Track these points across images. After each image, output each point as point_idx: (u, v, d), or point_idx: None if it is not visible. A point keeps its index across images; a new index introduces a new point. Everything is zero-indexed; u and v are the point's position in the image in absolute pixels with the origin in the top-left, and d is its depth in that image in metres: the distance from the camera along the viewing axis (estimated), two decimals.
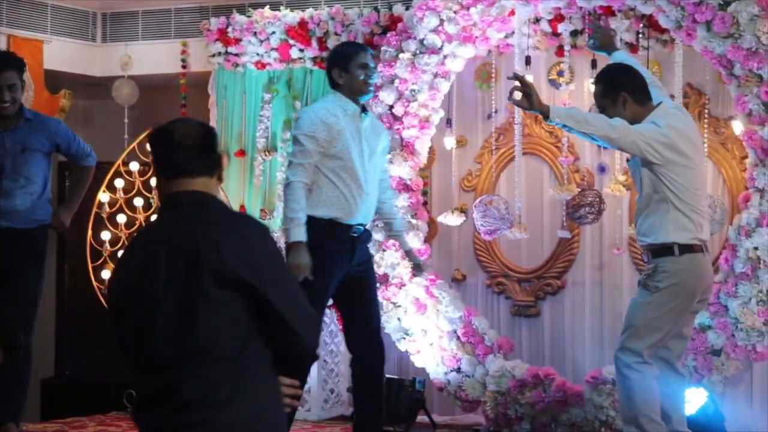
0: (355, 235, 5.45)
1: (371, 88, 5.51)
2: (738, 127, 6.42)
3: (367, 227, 5.59)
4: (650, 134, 4.98)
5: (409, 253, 6.01)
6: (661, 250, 5.06)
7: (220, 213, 3.00)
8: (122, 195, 7.92)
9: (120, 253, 2.96)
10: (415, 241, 6.96)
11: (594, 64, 6.70)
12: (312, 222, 5.33)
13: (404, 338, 7.00)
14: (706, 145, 6.50)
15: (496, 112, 7.21)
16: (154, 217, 7.83)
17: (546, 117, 4.96)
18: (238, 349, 2.83)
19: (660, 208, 5.05)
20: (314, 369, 7.30)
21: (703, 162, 5.38)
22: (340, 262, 5.41)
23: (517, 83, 4.94)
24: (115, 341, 2.95)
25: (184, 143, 3.00)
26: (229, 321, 2.82)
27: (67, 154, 6.36)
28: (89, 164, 6.45)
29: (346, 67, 5.43)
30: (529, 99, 4.94)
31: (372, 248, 6.93)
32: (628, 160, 5.37)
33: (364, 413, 5.61)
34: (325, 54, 7.55)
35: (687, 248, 5.03)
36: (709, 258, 5.23)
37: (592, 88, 6.65)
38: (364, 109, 5.49)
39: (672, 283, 5.04)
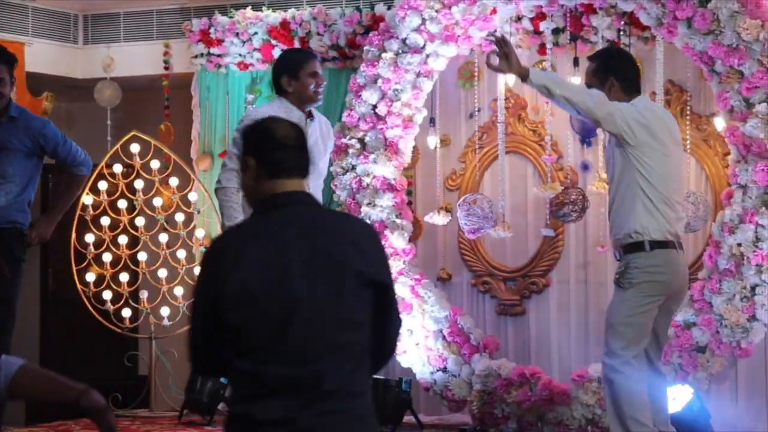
0: None
1: (320, 96, 5.53)
2: (720, 123, 6.42)
3: None
4: (627, 111, 5.00)
5: None
6: (632, 246, 5.07)
7: (338, 214, 3.24)
8: (106, 197, 7.89)
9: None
10: (400, 240, 6.95)
11: (576, 62, 6.71)
12: None
13: None
14: (688, 142, 6.52)
15: (479, 110, 7.20)
16: (139, 219, 7.82)
17: (524, 79, 5.00)
18: (367, 345, 2.94)
19: (628, 194, 5.04)
20: None
21: (680, 156, 5.36)
22: None
23: (495, 48, 4.98)
24: (210, 331, 2.91)
25: (287, 143, 3.03)
26: (364, 319, 2.93)
27: (54, 158, 6.21)
28: (80, 173, 6.25)
29: (296, 75, 5.45)
30: (508, 60, 4.97)
31: None
32: (604, 146, 5.36)
33: None
34: None
35: (658, 244, 5.03)
36: (682, 255, 5.23)
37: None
38: (309, 115, 5.50)
39: (645, 280, 5.05)
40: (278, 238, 2.92)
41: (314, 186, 5.48)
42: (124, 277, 7.81)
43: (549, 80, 5.03)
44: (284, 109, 5.38)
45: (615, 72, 5.17)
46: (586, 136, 6.91)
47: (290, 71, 5.47)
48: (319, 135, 5.58)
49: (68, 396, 3.11)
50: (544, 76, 5.05)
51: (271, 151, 3.01)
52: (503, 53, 5.00)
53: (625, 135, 4.98)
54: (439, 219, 7.13)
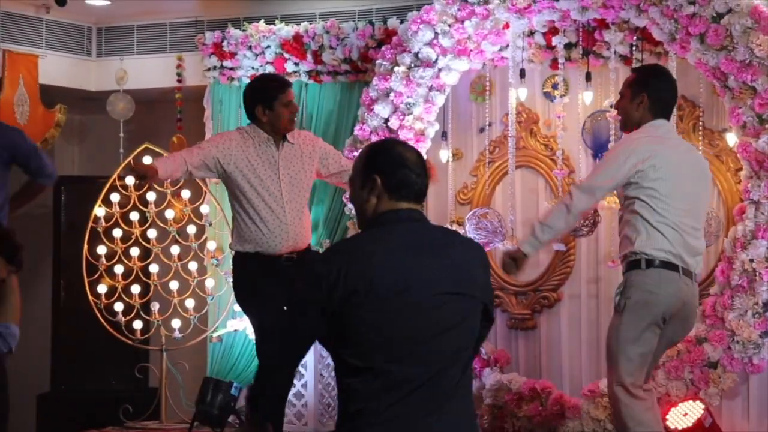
0: (289, 263, 5.52)
1: (294, 125, 5.64)
2: (732, 139, 6.42)
3: (311, 248, 5.72)
4: (614, 172, 5.12)
5: None
6: (631, 264, 5.13)
7: (450, 232, 3.50)
8: (118, 209, 7.91)
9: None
10: None
11: (588, 76, 6.72)
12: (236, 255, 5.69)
13: None
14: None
15: (490, 125, 7.21)
16: (151, 231, 7.84)
17: (525, 257, 5.26)
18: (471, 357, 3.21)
19: (631, 215, 5.13)
20: (311, 383, 7.30)
21: (699, 186, 5.35)
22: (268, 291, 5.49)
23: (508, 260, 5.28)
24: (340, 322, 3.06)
25: (417, 170, 3.19)
26: (475, 331, 3.19)
27: (24, 168, 6.17)
28: (44, 184, 6.28)
29: (271, 105, 5.50)
30: (516, 262, 5.24)
31: None
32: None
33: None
34: (320, 68, 7.58)
35: (656, 263, 5.07)
36: (688, 283, 5.18)
37: (587, 100, 6.74)
38: (284, 137, 5.56)
39: (638, 299, 5.07)
40: (411, 249, 3.11)
41: (294, 208, 5.54)
42: (135, 288, 7.83)
43: (537, 237, 5.22)
44: (254, 133, 5.59)
45: (650, 89, 5.25)
46: (598, 150, 6.91)
47: (265, 101, 5.55)
48: (298, 155, 5.67)
49: None
50: (531, 240, 5.26)
51: (400, 174, 3.17)
52: (512, 259, 5.30)
53: (628, 184, 5.14)
54: None
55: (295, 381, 7.24)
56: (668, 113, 5.34)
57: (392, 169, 3.15)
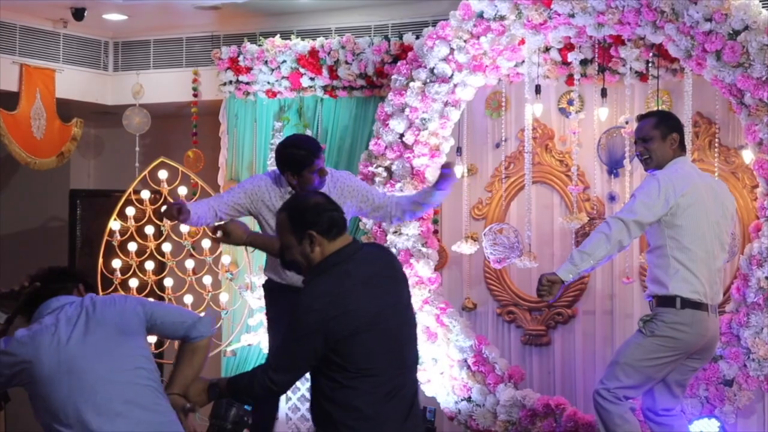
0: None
1: (323, 185, 5.69)
2: (748, 156, 6.40)
3: None
4: (652, 202, 5.27)
5: (433, 185, 6.03)
6: (665, 300, 5.28)
7: (383, 248, 4.21)
8: (133, 223, 7.93)
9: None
10: (425, 269, 6.95)
11: (604, 92, 6.72)
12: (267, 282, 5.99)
13: None
14: (716, 174, 6.50)
15: (505, 140, 7.21)
16: (166, 245, 7.87)
17: (562, 282, 5.34)
18: None
19: (662, 251, 5.31)
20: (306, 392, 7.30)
21: (721, 220, 5.50)
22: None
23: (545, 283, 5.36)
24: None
25: (333, 206, 3.79)
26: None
27: None
28: None
29: (300, 173, 5.59)
30: (552, 287, 5.34)
31: None
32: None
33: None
34: (336, 83, 7.60)
35: (690, 303, 5.25)
36: (714, 319, 5.39)
37: (603, 116, 6.74)
38: None
39: (667, 335, 5.26)
40: (371, 283, 3.71)
41: None
42: None
43: (575, 264, 5.32)
44: (282, 184, 5.74)
45: (677, 129, 5.52)
46: (613, 167, 6.91)
47: (294, 169, 5.61)
48: (330, 192, 5.67)
49: None
50: (570, 267, 5.34)
51: (326, 217, 3.75)
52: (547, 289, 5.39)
53: (663, 217, 5.28)
54: (465, 248, 7.12)
55: (298, 384, 7.24)
56: (685, 148, 5.61)
57: (318, 218, 3.70)
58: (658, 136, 5.46)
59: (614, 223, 5.28)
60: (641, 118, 5.72)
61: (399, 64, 7.09)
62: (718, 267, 5.45)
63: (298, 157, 5.64)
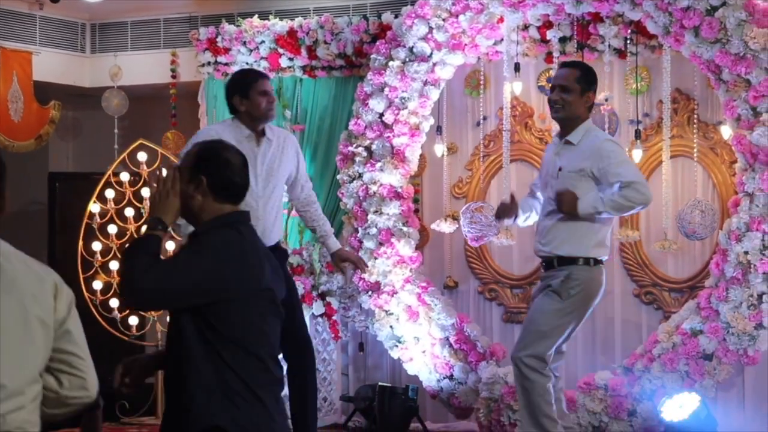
0: None
1: (272, 113, 5.58)
2: (727, 131, 6.44)
3: (280, 244, 5.69)
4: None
5: (335, 255, 5.90)
6: (577, 260, 5.38)
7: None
8: (113, 205, 7.91)
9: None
10: (406, 248, 6.96)
11: None
12: None
13: (396, 346, 7.00)
14: (695, 150, 6.55)
15: (485, 119, 7.22)
16: (145, 228, 7.83)
17: (575, 206, 5.32)
18: None
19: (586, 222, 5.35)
20: None
21: None
22: None
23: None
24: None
25: (240, 174, 3.44)
26: None
27: None
28: None
29: (247, 94, 5.52)
30: (566, 201, 5.32)
31: (364, 256, 6.95)
32: (560, 169, 5.44)
33: (298, 408, 5.72)
34: (315, 63, 7.58)
35: (600, 261, 5.44)
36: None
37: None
38: (262, 133, 5.56)
39: (582, 292, 5.39)
40: (254, 251, 3.38)
41: (268, 204, 5.54)
42: None
43: (593, 205, 5.30)
44: (232, 127, 5.54)
45: (594, 88, 5.51)
46: None
47: (241, 91, 5.56)
48: (275, 152, 5.62)
49: None
50: (590, 204, 5.31)
51: (225, 177, 3.40)
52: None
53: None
54: (445, 227, 7.14)
55: None
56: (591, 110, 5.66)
57: (217, 171, 3.38)
58: (578, 90, 5.40)
59: (643, 189, 5.33)
60: (564, 65, 5.70)
61: (378, 43, 7.08)
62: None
63: (245, 77, 5.66)
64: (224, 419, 3.21)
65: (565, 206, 5.32)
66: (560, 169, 5.40)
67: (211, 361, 3.24)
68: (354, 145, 7.06)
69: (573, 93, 5.38)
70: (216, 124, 5.79)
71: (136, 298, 3.35)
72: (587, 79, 5.44)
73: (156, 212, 3.40)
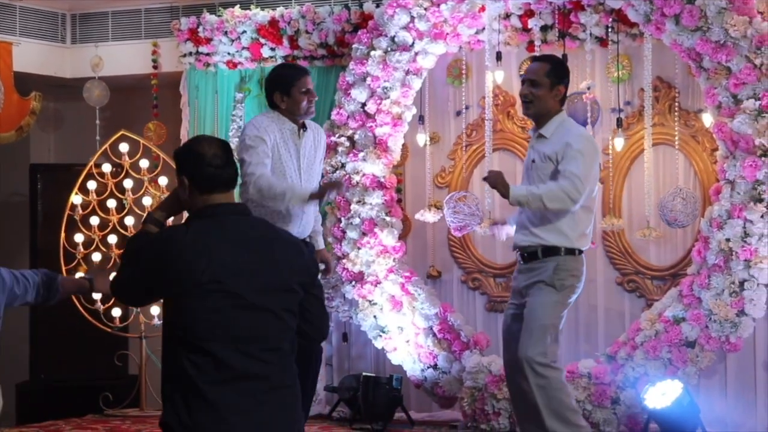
0: None
1: (313, 110, 5.56)
2: (708, 119, 6.45)
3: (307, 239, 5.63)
4: (592, 170, 5.36)
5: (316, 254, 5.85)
6: (566, 251, 5.39)
7: (270, 227, 3.62)
8: (95, 197, 7.87)
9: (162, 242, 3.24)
10: (389, 238, 6.96)
11: (565, 58, 6.71)
12: None
13: (380, 336, 7.01)
14: (677, 138, 6.56)
15: (467, 108, 7.22)
16: (129, 219, 7.82)
17: (506, 196, 5.38)
18: None
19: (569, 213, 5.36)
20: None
21: None
22: None
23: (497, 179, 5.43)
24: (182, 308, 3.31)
25: (217, 162, 3.45)
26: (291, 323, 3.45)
27: None
28: None
29: (288, 91, 5.47)
30: (498, 184, 5.39)
31: (347, 246, 6.96)
32: (533, 161, 5.48)
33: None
34: (296, 53, 7.56)
35: (582, 252, 5.46)
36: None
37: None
38: (303, 126, 5.54)
39: (571, 283, 5.41)
40: (237, 240, 3.37)
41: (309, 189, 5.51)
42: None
43: (525, 196, 5.32)
44: (278, 121, 5.47)
45: (565, 83, 5.50)
46: None
47: (282, 88, 5.50)
48: (312, 144, 5.61)
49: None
50: (521, 193, 5.34)
51: (200, 169, 3.43)
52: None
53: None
54: (429, 216, 7.14)
55: None
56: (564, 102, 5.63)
57: (194, 168, 3.43)
58: (548, 84, 5.42)
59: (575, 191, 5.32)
60: (535, 60, 5.74)
61: (360, 33, 7.07)
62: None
63: (287, 73, 5.61)
64: (172, 417, 3.25)
65: (490, 180, 5.43)
66: (533, 161, 5.44)
67: (173, 356, 3.29)
68: (337, 135, 7.05)
69: (542, 87, 5.41)
70: (261, 115, 5.68)
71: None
72: (557, 73, 5.46)
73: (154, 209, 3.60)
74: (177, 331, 3.28)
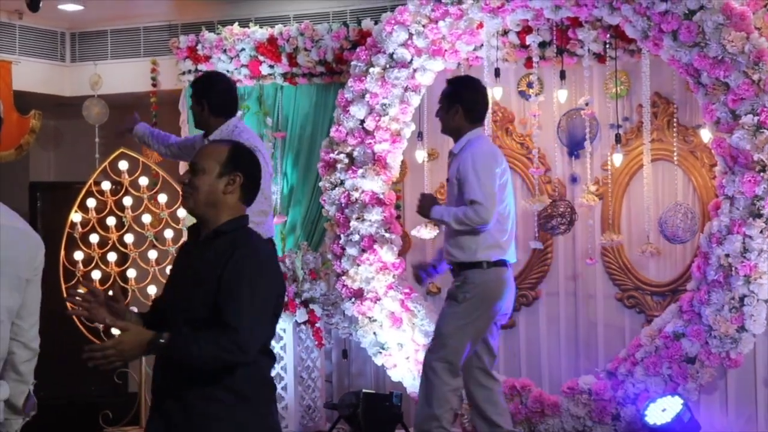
0: None
1: None
2: (706, 135, 6.45)
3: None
4: (491, 189, 5.51)
5: None
6: (471, 264, 5.57)
7: None
8: (94, 214, 7.87)
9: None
10: (389, 254, 6.96)
11: (563, 74, 6.74)
12: None
13: (380, 352, 6.99)
14: (675, 153, 6.57)
15: None
16: (128, 236, 7.81)
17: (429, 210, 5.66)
18: None
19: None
20: (291, 384, 7.29)
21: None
22: None
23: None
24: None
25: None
26: None
27: None
28: None
29: None
30: (425, 207, 5.69)
31: (347, 263, 6.96)
32: (457, 179, 5.60)
33: None
34: (295, 70, 7.57)
35: (494, 263, 5.58)
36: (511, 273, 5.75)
37: (562, 98, 6.76)
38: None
39: (478, 295, 5.57)
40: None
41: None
42: None
43: (440, 218, 5.66)
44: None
45: (462, 100, 5.67)
46: (573, 148, 6.94)
47: None
48: None
49: None
50: (439, 212, 5.64)
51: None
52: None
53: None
54: (426, 233, 7.14)
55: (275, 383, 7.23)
56: (483, 118, 5.83)
57: (252, 172, 3.44)
58: (446, 105, 5.71)
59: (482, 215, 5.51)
60: (448, 82, 5.91)
61: (358, 50, 7.08)
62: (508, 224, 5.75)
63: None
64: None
65: (418, 208, 5.77)
66: (447, 180, 5.73)
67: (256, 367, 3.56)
68: (335, 152, 7.06)
69: (441, 110, 5.73)
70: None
71: (250, 355, 3.35)
72: (450, 97, 5.70)
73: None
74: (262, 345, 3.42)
